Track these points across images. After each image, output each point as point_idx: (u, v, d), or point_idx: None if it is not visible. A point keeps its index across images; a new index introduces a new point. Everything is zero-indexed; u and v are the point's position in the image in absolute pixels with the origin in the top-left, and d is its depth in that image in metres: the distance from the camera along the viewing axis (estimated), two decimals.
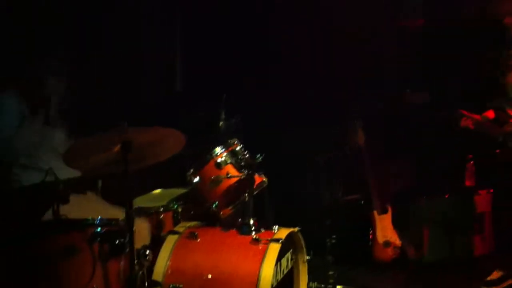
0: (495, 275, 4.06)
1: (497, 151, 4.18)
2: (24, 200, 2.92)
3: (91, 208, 2.90)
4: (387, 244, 4.50)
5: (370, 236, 4.53)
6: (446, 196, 4.75)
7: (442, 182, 4.89)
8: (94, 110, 3.51)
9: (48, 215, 2.62)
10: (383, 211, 4.59)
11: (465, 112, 4.18)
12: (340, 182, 4.65)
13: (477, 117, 4.17)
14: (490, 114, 4.19)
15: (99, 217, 2.64)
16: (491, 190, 4.67)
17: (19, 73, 3.15)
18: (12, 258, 2.50)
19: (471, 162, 4.79)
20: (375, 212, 4.55)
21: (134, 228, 2.55)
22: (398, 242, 4.53)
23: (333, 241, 3.98)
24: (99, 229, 2.58)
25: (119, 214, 2.76)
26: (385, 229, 4.54)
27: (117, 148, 2.59)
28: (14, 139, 3.01)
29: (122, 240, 2.58)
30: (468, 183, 4.84)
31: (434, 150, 4.89)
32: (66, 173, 2.86)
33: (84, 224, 2.58)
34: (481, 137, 4.24)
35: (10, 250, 2.60)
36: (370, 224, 4.55)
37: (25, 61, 3.17)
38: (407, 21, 5.06)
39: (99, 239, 2.57)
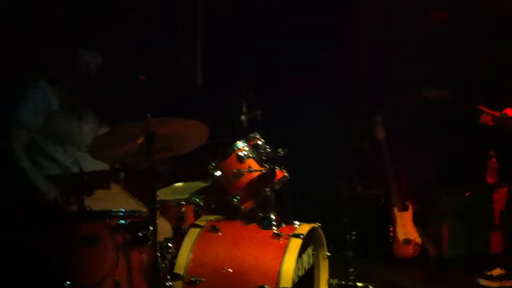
0: (496, 271, 4.05)
1: None
2: (49, 190, 2.95)
3: (115, 201, 2.91)
4: (407, 241, 4.48)
5: (391, 233, 4.51)
6: (467, 194, 4.71)
7: (463, 179, 4.84)
8: (119, 102, 3.52)
9: (73, 206, 2.63)
10: (404, 208, 4.56)
11: (485, 109, 4.14)
12: (360, 178, 4.62)
13: (496, 113, 4.13)
14: (509, 111, 4.15)
15: (123, 209, 2.67)
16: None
17: (50, 65, 3.17)
18: (37, 247, 2.54)
19: (493, 159, 4.74)
20: (396, 209, 4.53)
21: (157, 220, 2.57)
22: (418, 239, 4.50)
23: (353, 237, 3.96)
24: (122, 220, 2.61)
25: (142, 206, 2.78)
26: (405, 226, 4.51)
27: (141, 139, 2.61)
28: (43, 129, 3.04)
29: (145, 232, 2.61)
30: (489, 180, 4.78)
31: (455, 146, 4.84)
32: (91, 165, 2.88)
33: (108, 215, 2.61)
34: (504, 134, 4.20)
35: (35, 240, 2.65)
36: (391, 221, 4.52)
37: (56, 54, 3.19)
38: (433, 14, 5.01)
39: (122, 230, 2.60)
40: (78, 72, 3.18)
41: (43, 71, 3.14)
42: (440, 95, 4.53)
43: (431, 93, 4.55)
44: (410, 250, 4.47)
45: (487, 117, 4.13)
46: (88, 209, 2.55)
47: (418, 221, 4.57)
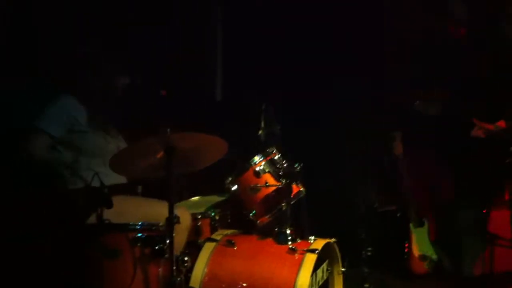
0: None
1: None
2: (70, 203, 3.01)
3: (132, 214, 2.95)
4: (423, 257, 4.46)
5: (406, 249, 4.49)
6: (484, 211, 4.67)
7: (481, 195, 4.81)
8: (139, 116, 3.59)
9: (92, 219, 2.68)
10: (420, 224, 4.54)
11: (478, 122, 4.12)
12: (377, 193, 4.62)
13: (489, 126, 4.10)
14: (502, 124, 4.12)
15: (141, 221, 2.72)
16: None
17: (77, 80, 3.25)
18: (56, 260, 2.59)
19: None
20: (412, 225, 4.52)
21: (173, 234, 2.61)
22: (434, 256, 4.48)
23: (369, 253, 3.96)
24: (140, 233, 2.66)
25: (159, 219, 2.81)
26: (421, 242, 4.50)
27: (160, 154, 2.66)
28: (67, 143, 3.10)
29: (161, 245, 2.64)
30: (507, 197, 4.75)
31: (474, 163, 4.81)
32: (111, 179, 2.93)
33: (126, 228, 2.65)
34: None
35: (55, 252, 2.70)
36: (407, 237, 4.51)
37: (82, 68, 3.26)
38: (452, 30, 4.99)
39: (140, 243, 2.64)
40: (105, 88, 3.24)
41: (73, 86, 3.21)
42: (431, 108, 4.51)
43: (421, 106, 4.53)
44: (426, 266, 4.45)
45: (479, 130, 4.10)
46: (107, 221, 2.59)
47: (434, 237, 4.55)
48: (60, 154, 3.08)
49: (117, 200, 2.65)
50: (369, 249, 3.98)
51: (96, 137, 3.14)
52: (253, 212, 3.17)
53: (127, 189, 3.23)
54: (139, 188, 3.45)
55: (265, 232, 3.18)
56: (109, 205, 2.59)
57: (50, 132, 3.05)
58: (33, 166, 3.05)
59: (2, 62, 3.47)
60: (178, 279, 2.62)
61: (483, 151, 4.49)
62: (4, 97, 3.40)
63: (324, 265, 3.14)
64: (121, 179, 3.13)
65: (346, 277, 3.26)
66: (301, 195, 3.26)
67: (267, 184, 3.14)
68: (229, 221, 3.42)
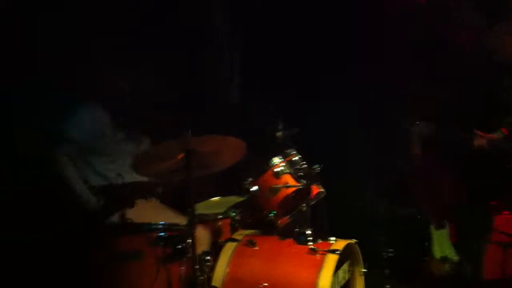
0: None
1: None
2: (93, 202, 3.05)
3: (154, 214, 2.98)
4: (444, 259, 4.43)
5: (427, 251, 4.47)
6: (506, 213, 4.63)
7: (503, 199, 4.76)
8: (161, 119, 3.62)
9: (115, 218, 2.72)
10: (440, 226, 4.51)
11: (480, 132, 4.07)
12: (397, 195, 4.60)
13: (492, 136, 4.04)
14: (505, 131, 4.06)
15: (162, 221, 2.74)
16: None
17: (101, 86, 3.30)
18: (81, 259, 2.62)
19: None
20: (432, 227, 4.49)
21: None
22: (455, 258, 4.44)
23: (390, 254, 3.94)
24: (162, 233, 2.68)
25: (180, 220, 2.84)
26: (442, 244, 4.47)
27: (180, 156, 2.68)
28: (91, 147, 3.15)
29: (183, 245, 2.67)
30: None
31: (496, 165, 4.77)
32: (132, 179, 2.97)
33: (148, 228, 2.68)
34: None
35: (77, 252, 2.74)
36: (427, 239, 4.48)
37: (106, 75, 3.32)
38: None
39: (162, 243, 2.66)
40: (129, 93, 3.30)
41: (97, 93, 3.27)
42: (425, 129, 4.46)
43: (418, 129, 4.49)
44: (446, 268, 4.42)
45: (481, 139, 4.04)
46: (129, 221, 2.62)
47: (455, 240, 4.51)
48: (85, 159, 3.14)
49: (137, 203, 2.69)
50: (390, 250, 3.96)
51: (120, 142, 3.19)
52: (273, 213, 3.18)
53: (147, 189, 3.27)
54: (159, 189, 3.48)
55: (285, 233, 3.18)
56: (131, 205, 2.62)
57: (77, 139, 3.11)
58: (58, 169, 3.10)
59: (24, 68, 3.53)
60: (201, 278, 2.63)
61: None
62: (30, 103, 3.45)
63: (345, 266, 3.13)
64: (142, 179, 3.16)
65: (367, 278, 3.25)
66: (321, 196, 3.26)
67: (287, 185, 3.15)
68: (249, 221, 3.43)
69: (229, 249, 3.04)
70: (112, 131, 3.21)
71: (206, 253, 2.81)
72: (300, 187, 3.14)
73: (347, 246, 3.06)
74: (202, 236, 3.06)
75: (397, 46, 4.78)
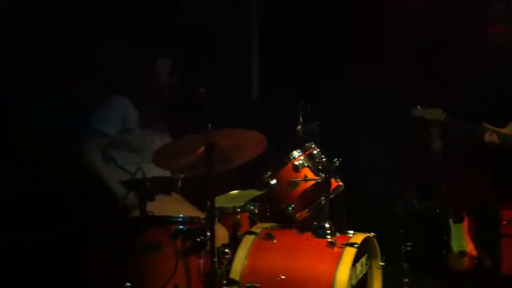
0: None
1: None
2: (114, 196, 3.09)
3: (175, 208, 3.02)
4: (462, 253, 4.41)
5: (445, 245, 4.45)
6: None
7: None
8: (180, 114, 3.66)
9: (136, 212, 2.75)
10: (459, 220, 4.49)
11: (489, 126, 4.00)
12: (416, 189, 4.58)
13: (504, 130, 3.96)
14: None
15: (182, 215, 2.77)
16: None
17: (132, 80, 3.33)
18: (101, 253, 2.67)
19: None
20: (451, 221, 4.47)
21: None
22: (474, 252, 4.42)
23: (408, 248, 3.94)
24: (181, 226, 2.71)
25: (200, 214, 2.87)
26: (461, 239, 4.45)
27: (201, 149, 2.70)
28: (116, 141, 3.20)
29: (203, 237, 2.69)
30: None
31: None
32: (155, 173, 3.01)
33: (168, 221, 2.71)
34: None
35: (97, 245, 2.78)
36: (446, 233, 4.46)
37: (136, 68, 3.35)
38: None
39: (181, 236, 2.69)
40: (155, 87, 3.33)
41: (125, 86, 3.30)
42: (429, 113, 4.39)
43: (419, 112, 4.40)
44: (465, 262, 4.40)
45: (493, 135, 3.96)
46: (150, 214, 2.66)
47: (474, 234, 4.49)
48: (112, 152, 3.18)
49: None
50: (409, 243, 3.95)
51: (144, 134, 3.22)
52: (292, 206, 3.19)
53: (168, 184, 3.30)
54: (179, 183, 3.52)
55: (303, 226, 3.19)
56: (151, 198, 2.66)
57: (105, 132, 3.16)
58: (85, 164, 3.15)
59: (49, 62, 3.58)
60: (219, 270, 2.66)
61: None
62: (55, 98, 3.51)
63: (363, 259, 3.14)
64: (165, 173, 3.20)
65: (385, 272, 3.25)
66: (340, 190, 3.27)
67: (306, 179, 3.16)
68: (268, 215, 3.45)
69: (247, 242, 3.07)
70: (139, 125, 3.24)
71: (224, 246, 2.84)
72: (319, 180, 3.15)
73: (365, 240, 3.07)
74: (221, 230, 3.09)
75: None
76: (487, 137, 3.99)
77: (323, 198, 3.14)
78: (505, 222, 4.27)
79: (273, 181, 3.21)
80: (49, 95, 3.46)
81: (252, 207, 3.39)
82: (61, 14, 3.57)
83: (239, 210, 3.33)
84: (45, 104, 3.47)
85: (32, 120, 3.45)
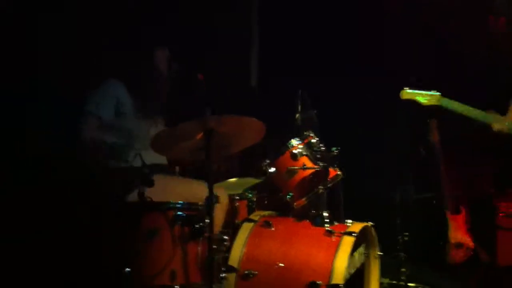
0: None
1: None
2: (112, 182, 3.08)
3: (171, 192, 3.01)
4: (459, 245, 4.41)
5: (443, 236, 4.45)
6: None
7: None
8: (178, 100, 3.64)
9: (134, 197, 2.74)
10: (456, 211, 4.49)
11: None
12: (414, 181, 4.59)
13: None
14: None
15: (181, 201, 2.76)
16: None
17: (125, 66, 3.31)
18: (96, 238, 2.66)
19: None
20: (448, 212, 4.47)
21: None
22: (471, 244, 4.43)
23: (406, 238, 3.94)
24: (180, 212, 2.70)
25: (197, 198, 2.86)
26: (457, 230, 4.45)
27: (199, 136, 2.69)
28: (113, 127, 3.17)
29: (201, 224, 2.69)
30: None
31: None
32: (153, 160, 3.00)
33: (167, 207, 2.70)
34: None
35: (94, 230, 2.78)
36: (443, 224, 4.46)
37: (130, 56, 3.33)
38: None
39: (180, 222, 2.69)
40: (152, 73, 3.31)
41: (121, 71, 3.28)
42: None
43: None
44: (462, 254, 4.40)
45: (502, 123, 3.94)
46: (149, 199, 2.65)
47: (471, 226, 4.49)
48: (107, 135, 3.16)
49: (157, 178, 2.70)
50: (406, 234, 3.95)
51: (141, 122, 3.21)
52: (290, 194, 3.19)
53: (165, 170, 3.29)
54: (177, 169, 3.51)
55: (301, 215, 3.19)
56: (150, 184, 2.65)
57: (99, 114, 3.13)
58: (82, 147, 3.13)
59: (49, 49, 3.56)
60: (217, 258, 2.66)
61: None
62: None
63: (361, 249, 3.15)
64: (162, 160, 3.18)
65: (382, 262, 3.26)
66: (338, 179, 3.26)
67: (304, 167, 3.15)
68: (266, 202, 3.45)
69: (246, 229, 3.06)
70: (137, 115, 3.22)
71: (223, 233, 2.83)
72: (318, 169, 3.15)
73: (364, 229, 3.07)
74: (219, 217, 3.08)
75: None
76: (496, 126, 3.95)
77: (321, 187, 3.13)
78: (502, 214, 4.26)
79: (272, 169, 3.21)
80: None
81: (250, 195, 3.39)
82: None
83: (237, 197, 3.32)
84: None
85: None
